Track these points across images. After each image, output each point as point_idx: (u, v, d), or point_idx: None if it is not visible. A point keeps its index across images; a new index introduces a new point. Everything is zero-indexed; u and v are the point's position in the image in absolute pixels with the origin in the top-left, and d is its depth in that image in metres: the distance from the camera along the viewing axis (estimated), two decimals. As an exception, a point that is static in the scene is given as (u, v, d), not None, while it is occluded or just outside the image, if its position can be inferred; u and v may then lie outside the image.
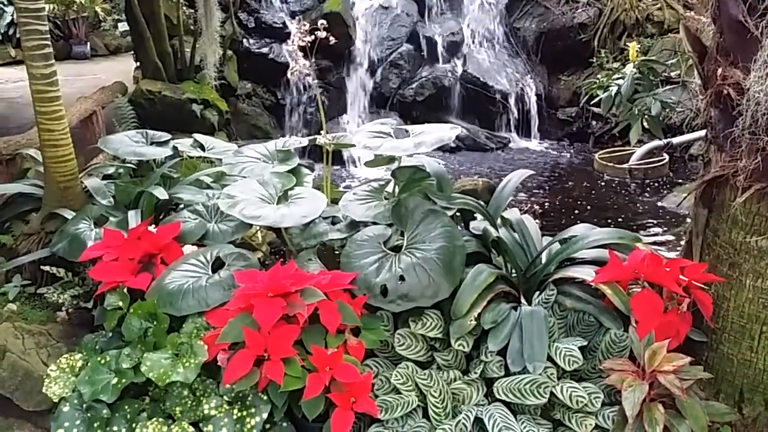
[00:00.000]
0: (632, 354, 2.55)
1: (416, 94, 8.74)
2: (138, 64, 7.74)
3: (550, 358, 2.57)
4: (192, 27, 7.80)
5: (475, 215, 3.20)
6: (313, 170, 3.68)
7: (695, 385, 2.53)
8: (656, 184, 6.84)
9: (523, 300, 2.82)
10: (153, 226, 3.20)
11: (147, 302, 2.77)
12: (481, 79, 8.87)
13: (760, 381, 2.65)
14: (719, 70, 2.57)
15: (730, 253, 2.66)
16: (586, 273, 2.77)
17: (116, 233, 3.11)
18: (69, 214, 3.42)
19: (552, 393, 2.49)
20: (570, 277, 2.86)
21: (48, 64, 3.33)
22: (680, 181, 6.82)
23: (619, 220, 5.94)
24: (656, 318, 2.55)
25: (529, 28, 9.27)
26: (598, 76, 7.80)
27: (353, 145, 3.59)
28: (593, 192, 6.83)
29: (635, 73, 5.68)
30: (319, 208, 3.02)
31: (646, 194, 6.64)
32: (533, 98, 9.00)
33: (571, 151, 8.62)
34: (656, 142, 6.81)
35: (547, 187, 7.11)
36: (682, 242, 3.15)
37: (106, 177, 3.92)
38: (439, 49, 9.04)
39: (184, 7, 7.87)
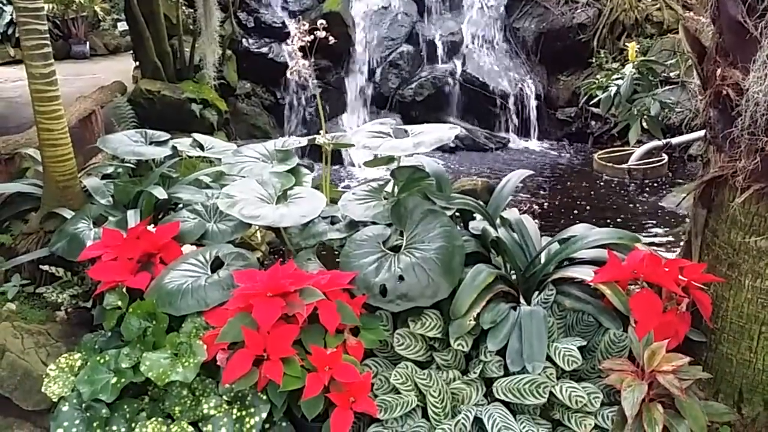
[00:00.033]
0: (631, 354, 2.55)
1: (415, 94, 8.74)
2: (137, 63, 7.74)
3: (549, 358, 2.57)
4: (191, 26, 7.80)
5: (474, 215, 3.20)
6: (312, 170, 3.68)
7: (694, 385, 2.53)
8: (655, 185, 6.84)
9: (522, 300, 2.82)
10: (152, 225, 3.20)
11: (146, 302, 2.77)
12: (481, 80, 8.88)
13: (759, 381, 2.65)
14: (718, 71, 2.57)
15: (729, 254, 2.67)
16: (586, 273, 2.77)
17: (115, 233, 3.11)
18: (68, 214, 3.42)
19: (551, 393, 2.49)
20: (569, 277, 2.86)
21: (47, 63, 3.33)
22: (679, 181, 6.83)
23: (618, 220, 5.94)
24: (655, 318, 2.55)
25: (528, 29, 9.28)
26: (598, 76, 7.79)
27: (352, 145, 3.59)
28: (592, 192, 6.83)
29: (634, 74, 5.68)
30: (318, 208, 3.02)
31: (645, 194, 6.64)
32: (532, 98, 9.00)
33: (571, 151, 8.62)
34: (655, 143, 6.82)
35: (546, 188, 7.12)
36: (681, 242, 3.15)
37: (105, 176, 3.92)
38: (439, 49, 9.05)
39: (184, 7, 7.86)
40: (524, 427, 2.47)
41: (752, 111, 2.41)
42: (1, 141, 4.23)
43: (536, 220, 3.41)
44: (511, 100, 8.95)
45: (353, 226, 3.16)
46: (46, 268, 3.22)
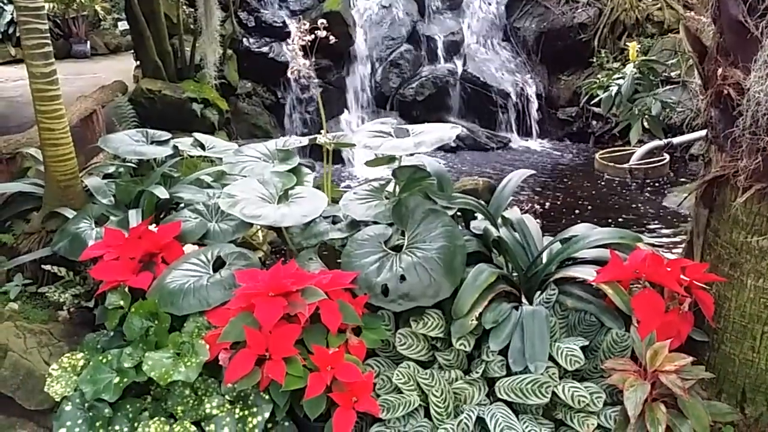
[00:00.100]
0: (634, 354, 2.55)
1: (416, 93, 8.74)
2: (138, 63, 7.74)
3: (551, 358, 2.57)
4: (192, 26, 7.80)
5: (475, 215, 3.20)
6: (313, 170, 3.68)
7: (697, 384, 2.53)
8: (657, 184, 6.84)
9: (524, 300, 2.82)
10: (154, 225, 3.20)
11: (148, 301, 2.77)
12: (482, 79, 8.88)
13: (762, 380, 2.65)
14: (719, 70, 2.57)
15: (731, 253, 2.67)
16: (588, 273, 2.77)
17: (117, 232, 3.11)
18: (70, 213, 3.42)
19: (554, 393, 2.49)
20: (571, 277, 2.86)
21: (48, 62, 3.33)
22: (681, 180, 6.82)
23: (620, 219, 5.94)
24: (658, 318, 2.55)
25: (529, 28, 9.28)
26: (599, 75, 7.80)
27: (353, 145, 3.60)
28: (594, 192, 6.83)
29: (635, 73, 5.69)
30: (320, 208, 3.02)
31: (647, 194, 6.64)
32: (533, 98, 9.01)
33: (572, 151, 8.62)
34: (656, 142, 6.81)
35: (547, 187, 7.11)
36: (683, 242, 3.15)
37: (106, 176, 3.92)
38: (439, 48, 9.04)
39: (184, 6, 7.86)
40: (527, 427, 2.47)
41: (753, 110, 2.41)
42: (2, 140, 4.23)
43: (538, 220, 3.41)
44: (512, 100, 8.95)
45: (355, 225, 3.16)
46: (48, 267, 3.22)
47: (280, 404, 2.52)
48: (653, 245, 3.05)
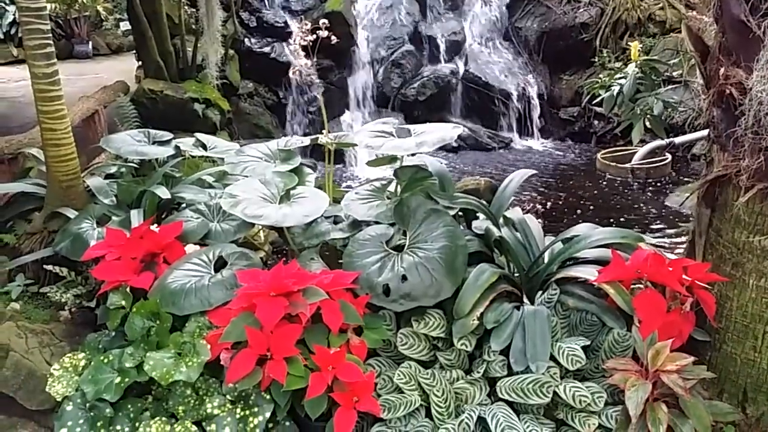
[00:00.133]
0: (635, 353, 2.55)
1: (418, 93, 8.74)
2: (140, 63, 7.75)
3: (553, 358, 2.57)
4: (194, 26, 7.81)
5: (477, 215, 3.20)
6: (315, 170, 3.68)
7: (698, 384, 2.53)
8: (659, 184, 6.83)
9: (525, 299, 2.82)
10: (155, 225, 3.20)
11: (150, 301, 2.77)
12: (483, 79, 8.87)
13: (764, 380, 2.64)
14: (721, 70, 2.57)
15: (734, 253, 2.66)
16: (589, 272, 2.76)
17: (119, 232, 3.11)
18: (71, 214, 3.42)
19: (555, 392, 2.48)
20: (573, 277, 2.86)
21: (50, 63, 3.33)
22: (683, 180, 6.82)
23: (622, 219, 5.93)
24: (659, 317, 2.54)
25: (530, 28, 9.27)
26: (600, 75, 7.79)
27: (355, 145, 3.60)
28: (595, 192, 6.82)
29: (637, 73, 5.67)
30: (321, 208, 3.02)
31: (649, 194, 6.64)
32: (535, 98, 9.00)
33: (574, 150, 8.61)
34: (658, 142, 6.81)
35: (549, 187, 7.11)
36: (685, 241, 3.14)
37: (108, 176, 3.92)
38: (441, 48, 9.04)
39: (186, 7, 7.87)
40: (528, 427, 2.46)
41: (756, 110, 2.40)
42: (4, 141, 4.24)
43: (539, 220, 3.40)
44: (514, 100, 8.94)
45: (356, 225, 3.16)
46: (49, 267, 3.23)
47: (281, 404, 2.52)
48: (655, 245, 3.04)
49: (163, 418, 2.55)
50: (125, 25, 12.14)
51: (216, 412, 2.54)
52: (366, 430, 2.61)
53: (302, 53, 3.47)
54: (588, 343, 2.65)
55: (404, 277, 2.73)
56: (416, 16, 9.18)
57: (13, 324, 2.99)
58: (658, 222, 5.89)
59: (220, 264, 2.98)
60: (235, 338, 2.56)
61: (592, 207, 6.37)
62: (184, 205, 3.46)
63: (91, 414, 2.57)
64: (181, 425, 2.51)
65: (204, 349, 2.60)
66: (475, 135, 8.64)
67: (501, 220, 3.13)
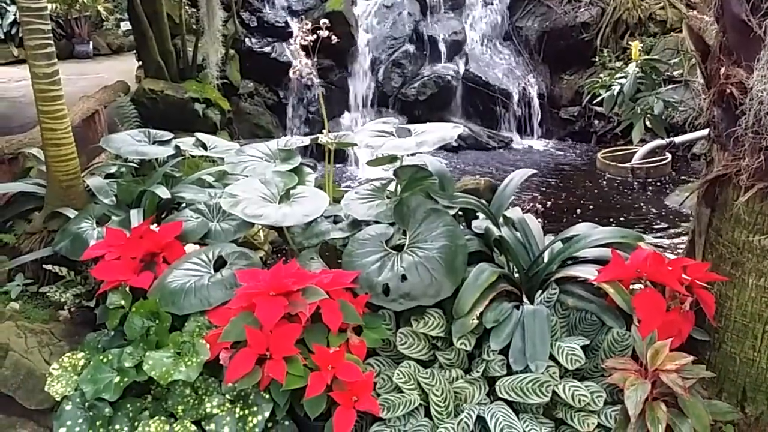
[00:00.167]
0: (635, 353, 2.55)
1: (418, 93, 8.73)
2: (140, 63, 7.75)
3: (552, 357, 2.57)
4: (194, 26, 7.81)
5: (477, 214, 3.20)
6: (315, 169, 3.68)
7: (698, 384, 2.53)
8: (659, 184, 6.83)
9: (525, 299, 2.81)
10: (155, 225, 3.20)
11: (149, 301, 2.77)
12: (484, 79, 8.87)
13: (763, 380, 2.64)
14: (722, 69, 2.57)
15: (733, 252, 2.66)
16: (589, 272, 2.76)
17: (118, 232, 3.11)
18: (71, 213, 3.42)
19: (554, 392, 2.48)
20: (572, 276, 2.86)
21: (50, 63, 3.33)
22: (683, 180, 6.81)
23: (622, 219, 5.93)
24: (659, 317, 2.54)
25: (531, 28, 9.27)
26: (601, 75, 7.78)
27: (355, 144, 3.60)
28: (596, 191, 6.82)
29: (638, 72, 5.66)
30: (321, 207, 3.02)
31: (649, 193, 6.63)
32: (535, 97, 9.00)
33: (574, 150, 8.61)
34: (659, 141, 6.80)
35: (549, 187, 7.11)
36: (685, 241, 3.14)
37: (108, 176, 3.92)
38: (442, 48, 9.03)
39: (187, 7, 7.87)
40: (527, 426, 2.46)
41: (756, 109, 2.40)
42: (4, 140, 4.24)
43: (539, 219, 3.40)
44: (514, 99, 8.94)
45: (356, 225, 3.16)
46: (49, 267, 3.23)
47: (280, 403, 2.52)
48: (655, 245, 3.04)
49: (162, 418, 2.55)
50: (126, 25, 12.14)
51: (215, 411, 2.54)
52: (365, 430, 2.61)
53: (303, 53, 3.47)
54: (587, 342, 2.65)
55: (404, 277, 2.73)
56: (417, 16, 9.18)
57: (13, 323, 2.99)
58: (658, 221, 5.88)
59: (219, 263, 2.98)
60: (234, 338, 2.56)
61: (592, 206, 6.37)
62: (183, 204, 3.46)
63: (90, 413, 2.58)
64: (180, 425, 2.51)
65: (203, 348, 2.60)
66: (475, 134, 8.64)
67: (501, 220, 3.13)
